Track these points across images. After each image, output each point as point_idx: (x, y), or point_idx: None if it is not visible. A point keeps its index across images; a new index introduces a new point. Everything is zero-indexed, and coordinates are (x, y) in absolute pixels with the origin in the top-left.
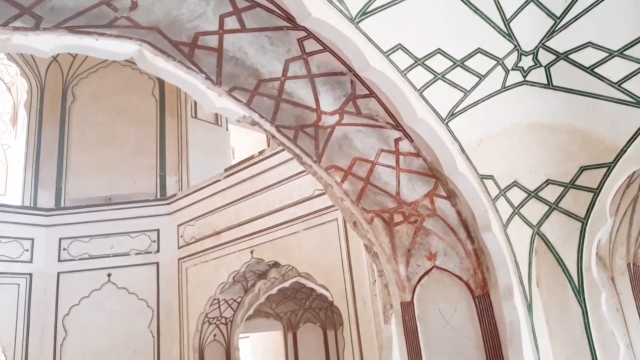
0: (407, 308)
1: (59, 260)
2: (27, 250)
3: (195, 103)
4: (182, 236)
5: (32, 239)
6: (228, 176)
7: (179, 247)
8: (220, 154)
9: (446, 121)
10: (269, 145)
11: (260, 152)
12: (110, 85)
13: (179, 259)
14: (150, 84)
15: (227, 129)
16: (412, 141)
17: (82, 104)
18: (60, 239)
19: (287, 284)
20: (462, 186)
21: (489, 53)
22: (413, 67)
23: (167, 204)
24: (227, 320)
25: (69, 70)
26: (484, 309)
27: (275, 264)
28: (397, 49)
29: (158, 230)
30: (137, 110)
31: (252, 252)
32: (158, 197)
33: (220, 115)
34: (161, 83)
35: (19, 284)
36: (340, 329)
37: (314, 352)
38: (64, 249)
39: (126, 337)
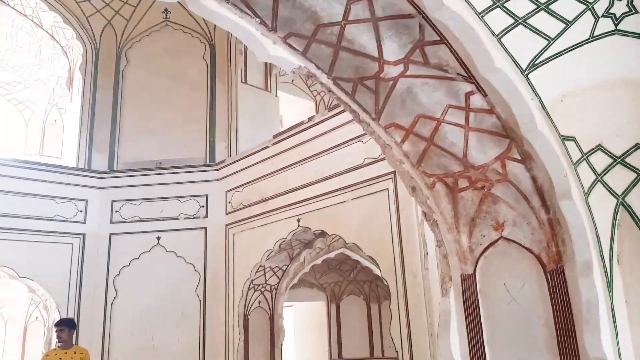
0: (469, 281)
1: (111, 222)
2: (80, 211)
3: (246, 67)
4: (230, 202)
5: (86, 200)
6: (276, 143)
7: (226, 213)
8: (269, 121)
9: (526, 73)
10: (317, 112)
11: (310, 119)
12: (163, 49)
13: (226, 225)
14: (202, 48)
15: (276, 96)
16: (485, 95)
17: (135, 68)
18: (112, 201)
19: (332, 255)
20: (540, 148)
21: None
22: (491, 10)
23: (216, 169)
24: (272, 287)
25: (122, 33)
26: (557, 285)
27: (322, 233)
28: None
29: (207, 196)
30: (188, 75)
31: (299, 221)
32: (207, 162)
33: (270, 80)
34: (212, 47)
35: (72, 244)
36: (384, 303)
37: (356, 324)
38: (116, 211)
39: (173, 300)
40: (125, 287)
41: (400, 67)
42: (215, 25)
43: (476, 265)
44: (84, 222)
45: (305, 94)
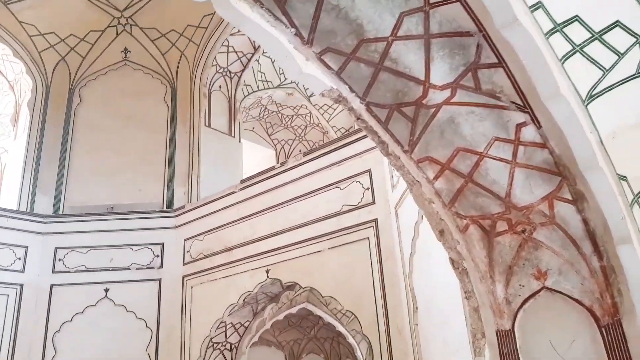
0: (506, 338)
1: (53, 272)
2: (19, 258)
3: (209, 111)
4: (188, 251)
5: (26, 247)
6: (244, 188)
7: (184, 264)
8: (232, 167)
9: (585, 103)
10: (277, 161)
11: (282, 163)
12: (120, 89)
13: (184, 277)
14: (163, 89)
15: (239, 141)
16: (539, 127)
17: (88, 107)
18: (56, 249)
19: (294, 310)
20: (596, 187)
21: (628, 28)
22: (553, 33)
23: (174, 216)
24: (232, 346)
25: (77, 70)
26: (614, 341)
27: (291, 286)
28: (539, 7)
29: (162, 244)
30: (147, 116)
31: (268, 272)
32: (164, 208)
33: (234, 125)
34: (174, 89)
35: (8, 295)
36: None
37: None
38: (59, 260)
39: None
40: (66, 345)
41: (447, 93)
42: (178, 66)
43: (514, 320)
44: (22, 271)
45: (265, 142)
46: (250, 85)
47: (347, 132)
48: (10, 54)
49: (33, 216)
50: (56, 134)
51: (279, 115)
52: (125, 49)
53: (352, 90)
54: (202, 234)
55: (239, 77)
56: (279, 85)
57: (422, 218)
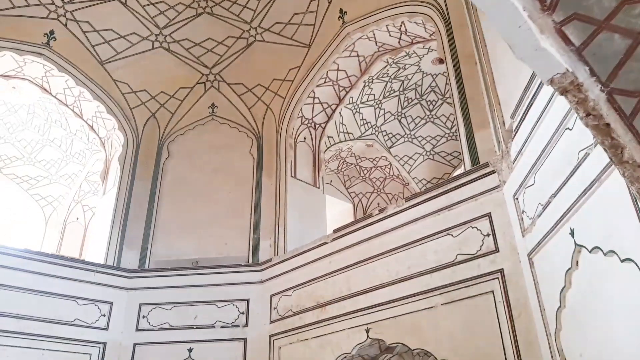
0: None
1: (137, 330)
2: (104, 315)
3: (295, 162)
4: (275, 308)
5: (111, 303)
6: (337, 238)
7: (271, 322)
8: (317, 219)
9: None
10: (355, 216)
11: (381, 210)
12: (207, 143)
13: (271, 336)
14: (249, 142)
15: (323, 193)
16: None
17: (176, 161)
18: (140, 305)
19: None
20: None
21: None
22: None
23: (260, 270)
24: None
25: (166, 126)
26: None
27: (394, 347)
28: None
29: (248, 301)
30: (232, 169)
31: (368, 331)
32: (250, 262)
33: (318, 176)
34: (259, 142)
35: (90, 354)
36: None
37: None
38: (144, 317)
39: None
40: None
41: None
42: (263, 119)
43: None
44: (106, 329)
45: (343, 196)
46: (332, 136)
47: (462, 173)
48: (104, 110)
49: (119, 270)
50: (144, 188)
51: (357, 167)
52: (213, 104)
53: (592, 74)
54: (290, 288)
55: (323, 129)
56: (360, 136)
57: (576, 265)
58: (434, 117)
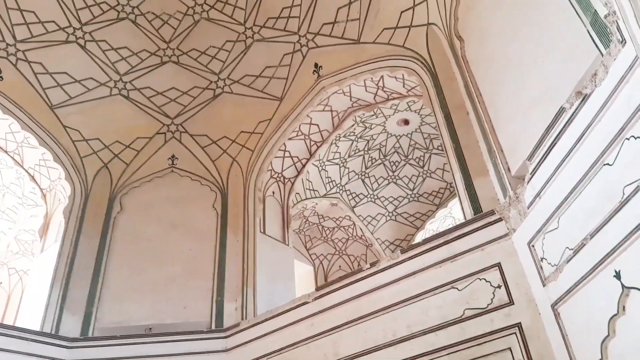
0: None
1: None
2: None
3: (264, 216)
4: None
5: None
6: (320, 297)
7: None
8: (287, 279)
9: None
10: (317, 284)
11: (373, 264)
12: (165, 196)
13: None
14: (212, 196)
15: (292, 251)
16: None
17: (129, 215)
18: None
19: None
20: None
21: None
22: None
23: (225, 337)
24: None
25: (119, 177)
26: None
27: None
28: None
29: None
30: (193, 224)
31: None
32: (213, 327)
33: (287, 232)
34: (224, 196)
35: None
36: None
37: None
38: None
39: None
40: None
41: None
42: (229, 172)
43: None
44: None
45: (303, 257)
46: (298, 193)
47: (464, 222)
48: (50, 158)
49: (57, 339)
50: (91, 245)
51: (320, 227)
52: (173, 155)
53: None
54: (263, 356)
55: (292, 183)
56: (325, 194)
57: (623, 310)
58: (397, 177)
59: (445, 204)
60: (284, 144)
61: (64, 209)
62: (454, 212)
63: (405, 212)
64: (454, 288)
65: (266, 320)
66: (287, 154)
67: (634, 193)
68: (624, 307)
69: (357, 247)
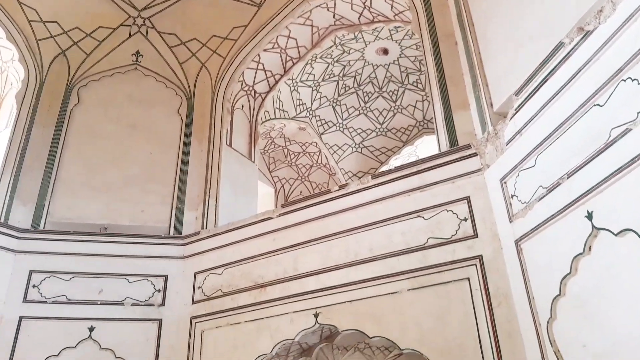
0: None
1: (25, 301)
2: None
3: (232, 130)
4: (200, 287)
5: None
6: (285, 214)
7: (193, 302)
8: (250, 196)
9: None
10: (276, 206)
11: (342, 186)
12: (127, 94)
13: (192, 318)
14: (177, 101)
15: (258, 168)
16: None
17: (87, 109)
18: (30, 272)
19: None
20: None
21: None
22: None
23: (183, 244)
24: None
25: (78, 67)
26: None
27: (353, 334)
28: None
29: (166, 277)
30: (156, 127)
31: (316, 315)
32: (171, 234)
33: (254, 149)
34: (190, 102)
35: None
36: None
37: None
38: (34, 286)
39: None
40: None
41: None
42: (197, 78)
43: None
44: None
45: (265, 179)
46: (268, 111)
47: (438, 154)
48: (4, 36)
49: (6, 228)
50: (45, 136)
51: (285, 150)
52: (138, 52)
53: None
54: (221, 266)
55: (263, 99)
56: (294, 117)
57: (589, 250)
58: (368, 109)
59: (412, 141)
60: (259, 54)
61: (16, 93)
62: (419, 151)
63: (371, 146)
64: (420, 217)
65: (228, 231)
66: (260, 66)
67: (621, 135)
68: (590, 247)
69: (320, 175)
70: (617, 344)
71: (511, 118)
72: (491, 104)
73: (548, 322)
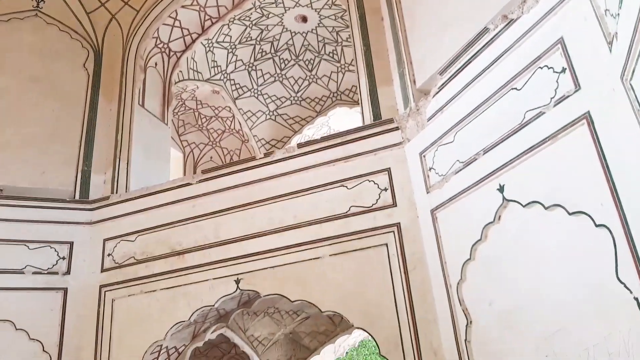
0: None
1: None
2: None
3: (144, 89)
4: (109, 255)
5: None
6: (205, 180)
7: (102, 270)
8: (163, 160)
9: None
10: (184, 172)
11: (267, 154)
12: (27, 44)
13: (102, 286)
14: (83, 54)
15: (170, 131)
16: None
17: None
18: None
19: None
20: None
21: None
22: None
23: (90, 209)
24: None
25: None
26: None
27: (272, 298)
28: None
29: (71, 244)
30: (58, 82)
31: (237, 281)
32: (76, 198)
33: (167, 111)
34: (98, 56)
35: None
36: None
37: None
38: None
39: None
40: None
41: None
42: (105, 30)
43: None
44: None
45: (174, 143)
46: (182, 71)
47: (362, 126)
48: None
49: None
50: None
51: (196, 114)
52: None
53: None
54: (134, 233)
55: (178, 58)
56: (209, 79)
57: (499, 219)
58: (284, 77)
59: (326, 112)
60: (176, 10)
61: None
62: (331, 122)
63: (285, 114)
64: (343, 186)
65: (143, 196)
66: (177, 23)
67: (534, 118)
68: (500, 216)
69: (232, 141)
70: (521, 300)
71: (434, 96)
72: (414, 81)
73: (458, 283)
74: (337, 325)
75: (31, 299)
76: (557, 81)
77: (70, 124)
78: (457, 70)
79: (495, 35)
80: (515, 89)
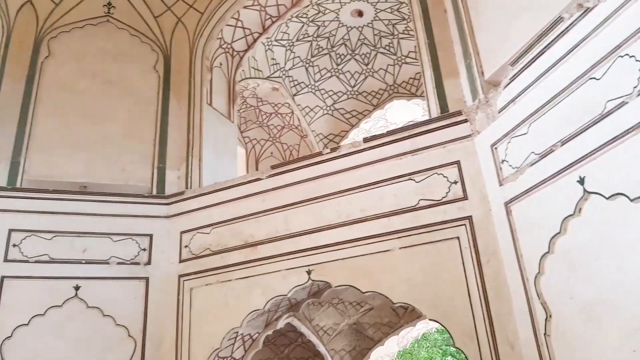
0: None
1: (5, 260)
2: None
3: (211, 89)
4: (186, 246)
5: None
6: (274, 175)
7: (180, 261)
8: (231, 156)
9: None
10: (247, 168)
11: (333, 149)
12: (100, 48)
13: (180, 276)
14: (153, 57)
15: (238, 128)
16: None
17: (59, 63)
18: (10, 231)
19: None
20: None
21: None
22: None
23: (167, 203)
24: None
25: (47, 18)
26: None
27: (342, 289)
28: None
29: (150, 236)
30: (132, 84)
31: (309, 272)
32: (154, 193)
33: (233, 109)
34: (167, 59)
35: None
36: None
37: None
38: (15, 245)
39: None
40: (20, 356)
41: None
42: (173, 33)
43: None
44: None
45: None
46: (244, 70)
47: (430, 119)
48: None
49: None
50: (16, 90)
51: (257, 110)
52: (110, 3)
53: None
54: (208, 226)
55: (241, 57)
56: (268, 76)
57: (579, 212)
58: (340, 71)
59: (382, 105)
60: (238, 11)
61: None
62: (388, 115)
63: (342, 108)
64: (411, 180)
65: (215, 191)
66: (239, 23)
67: (616, 108)
68: (580, 209)
69: (291, 136)
70: (605, 293)
71: (505, 87)
72: (482, 72)
73: (536, 277)
74: (401, 317)
75: (116, 287)
76: (639, 70)
77: (144, 123)
78: (530, 61)
79: (570, 24)
80: (594, 78)
